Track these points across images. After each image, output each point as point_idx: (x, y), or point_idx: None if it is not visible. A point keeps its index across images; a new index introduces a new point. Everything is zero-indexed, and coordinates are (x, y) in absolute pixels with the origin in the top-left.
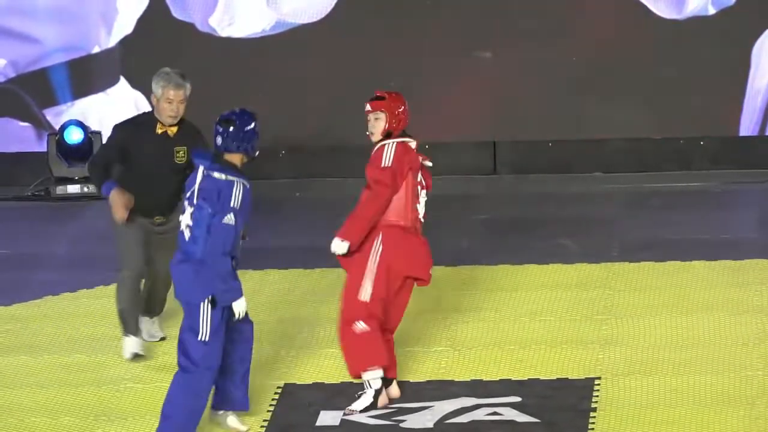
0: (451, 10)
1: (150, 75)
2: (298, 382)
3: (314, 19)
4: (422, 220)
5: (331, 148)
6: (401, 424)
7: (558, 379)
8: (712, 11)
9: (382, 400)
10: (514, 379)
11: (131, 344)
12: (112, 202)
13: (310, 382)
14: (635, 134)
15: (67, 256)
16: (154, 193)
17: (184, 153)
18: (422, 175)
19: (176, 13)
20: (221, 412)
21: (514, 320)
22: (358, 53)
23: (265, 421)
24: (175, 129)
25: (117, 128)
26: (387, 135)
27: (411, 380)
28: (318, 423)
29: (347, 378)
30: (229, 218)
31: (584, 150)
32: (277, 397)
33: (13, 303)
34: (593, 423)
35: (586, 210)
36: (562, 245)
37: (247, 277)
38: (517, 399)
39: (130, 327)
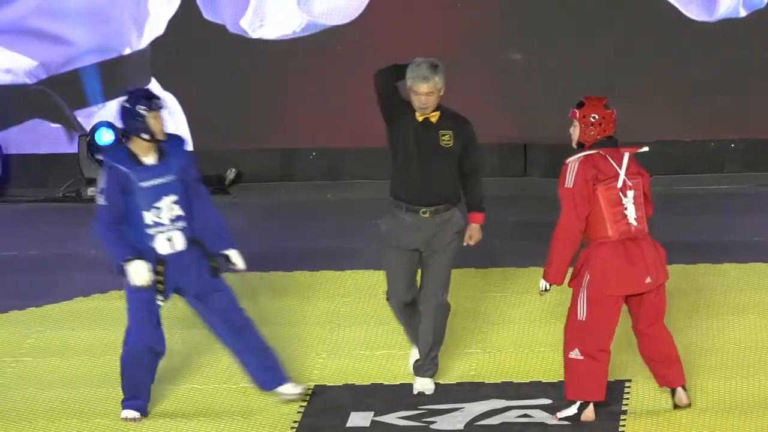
0: (482, 12)
1: (181, 76)
2: (329, 384)
3: (346, 21)
4: (635, 223)
5: (362, 149)
6: (432, 426)
7: None
8: (743, 13)
9: (588, 414)
10: (544, 381)
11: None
12: None
13: (341, 384)
14: (666, 136)
15: (98, 257)
16: (422, 180)
17: (450, 137)
18: (628, 173)
19: (207, 15)
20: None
21: (545, 322)
22: (389, 54)
23: (295, 422)
24: (437, 114)
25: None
26: (580, 145)
27: (441, 382)
28: (348, 424)
29: (378, 379)
30: (98, 199)
31: None
32: (307, 398)
33: (44, 304)
34: (623, 425)
35: None
36: None
37: (277, 279)
38: (548, 401)
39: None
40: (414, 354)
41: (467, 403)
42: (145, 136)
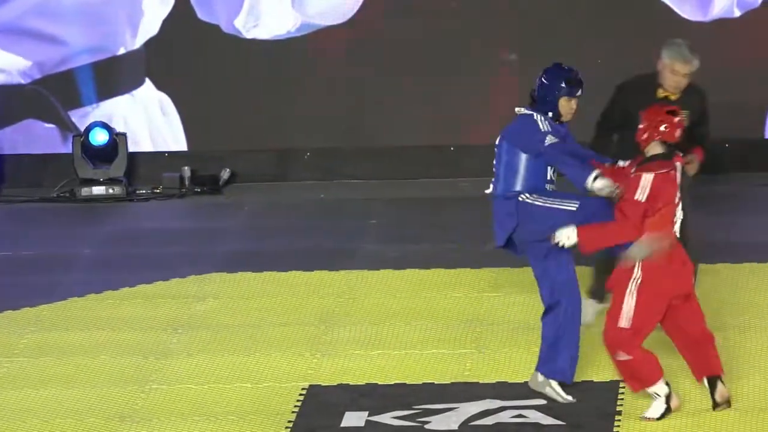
0: (476, 12)
1: (175, 77)
2: (323, 384)
3: (340, 21)
4: (678, 233)
5: (357, 149)
6: (426, 426)
7: (583, 381)
8: (737, 13)
9: (675, 403)
10: None
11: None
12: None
13: (335, 384)
14: None
15: (92, 257)
16: None
17: (686, 117)
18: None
19: (201, 15)
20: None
21: (538, 323)
22: (383, 55)
23: (289, 422)
24: (677, 94)
25: (618, 89)
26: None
27: (436, 382)
28: (343, 424)
29: (372, 379)
30: (550, 139)
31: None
32: (301, 398)
33: (38, 305)
34: (618, 426)
35: None
36: None
37: (272, 279)
38: (542, 401)
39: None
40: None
41: (462, 403)
42: (550, 115)
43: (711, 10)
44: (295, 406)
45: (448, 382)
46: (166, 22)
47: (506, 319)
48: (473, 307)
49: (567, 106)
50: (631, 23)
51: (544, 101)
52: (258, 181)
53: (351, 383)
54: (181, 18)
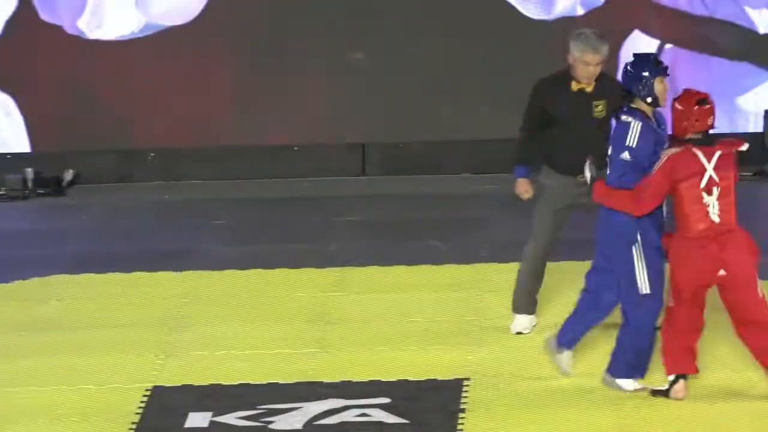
0: (323, 10)
1: (19, 78)
2: (167, 385)
3: (184, 21)
4: (717, 219)
5: (199, 150)
6: (270, 426)
7: (427, 379)
8: (580, 12)
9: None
10: (383, 380)
11: (519, 322)
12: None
13: (179, 385)
14: (505, 135)
15: None
16: (575, 150)
17: (603, 107)
18: (717, 169)
19: (44, 16)
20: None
21: (384, 321)
22: (225, 55)
23: (133, 423)
24: (592, 84)
25: (534, 89)
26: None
27: (280, 381)
28: (186, 425)
29: (217, 380)
30: (624, 155)
31: (452, 150)
32: (145, 399)
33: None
34: (462, 423)
35: (454, 211)
36: (431, 246)
37: (116, 280)
38: (386, 400)
39: (520, 305)
40: (519, 322)
41: (306, 402)
42: (649, 100)
43: (554, 9)
44: (139, 407)
45: (293, 381)
46: (9, 23)
47: (350, 318)
48: (317, 306)
49: (661, 87)
50: (476, 22)
51: (639, 91)
52: (102, 182)
53: (195, 384)
54: (23, 18)
